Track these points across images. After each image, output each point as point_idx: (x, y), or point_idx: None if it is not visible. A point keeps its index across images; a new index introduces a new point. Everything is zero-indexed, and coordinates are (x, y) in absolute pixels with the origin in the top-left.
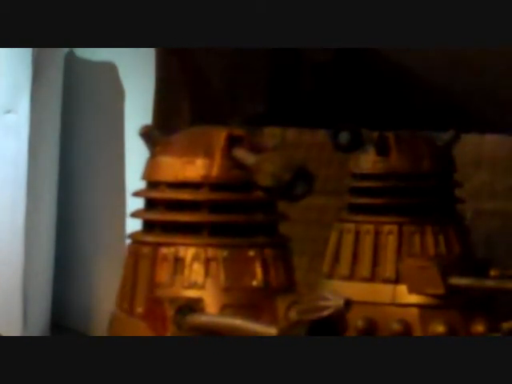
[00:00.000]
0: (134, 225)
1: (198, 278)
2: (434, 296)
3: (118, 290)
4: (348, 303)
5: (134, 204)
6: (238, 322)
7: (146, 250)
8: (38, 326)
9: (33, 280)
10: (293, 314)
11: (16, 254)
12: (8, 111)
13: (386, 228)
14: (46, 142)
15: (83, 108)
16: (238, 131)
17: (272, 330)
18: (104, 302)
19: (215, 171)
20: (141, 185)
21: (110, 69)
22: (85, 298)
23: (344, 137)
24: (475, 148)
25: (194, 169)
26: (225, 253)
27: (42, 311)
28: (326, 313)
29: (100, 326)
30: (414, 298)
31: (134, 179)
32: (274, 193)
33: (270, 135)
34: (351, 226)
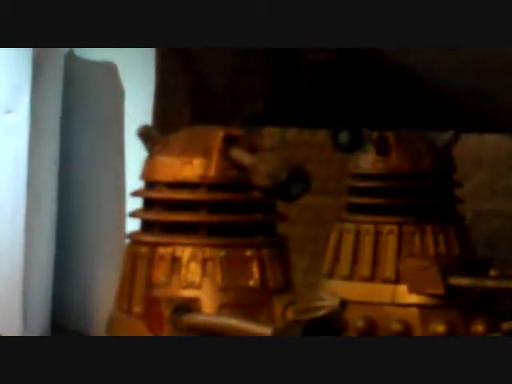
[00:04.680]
0: (133, 225)
1: (195, 278)
2: (434, 296)
3: (116, 289)
4: (343, 303)
5: (134, 204)
6: (234, 322)
7: (143, 249)
8: (38, 326)
9: (33, 280)
10: (289, 314)
11: (16, 254)
12: (8, 111)
13: (386, 228)
14: (45, 142)
15: (83, 108)
16: (236, 131)
17: (267, 330)
18: (103, 301)
19: (213, 171)
20: (140, 185)
21: (110, 69)
22: (85, 298)
23: (344, 137)
24: (475, 148)
25: (192, 169)
26: (222, 253)
27: (41, 311)
28: (321, 313)
29: (100, 326)
30: (413, 298)
31: (133, 179)
32: (270, 193)
33: (270, 135)
34: (351, 225)
